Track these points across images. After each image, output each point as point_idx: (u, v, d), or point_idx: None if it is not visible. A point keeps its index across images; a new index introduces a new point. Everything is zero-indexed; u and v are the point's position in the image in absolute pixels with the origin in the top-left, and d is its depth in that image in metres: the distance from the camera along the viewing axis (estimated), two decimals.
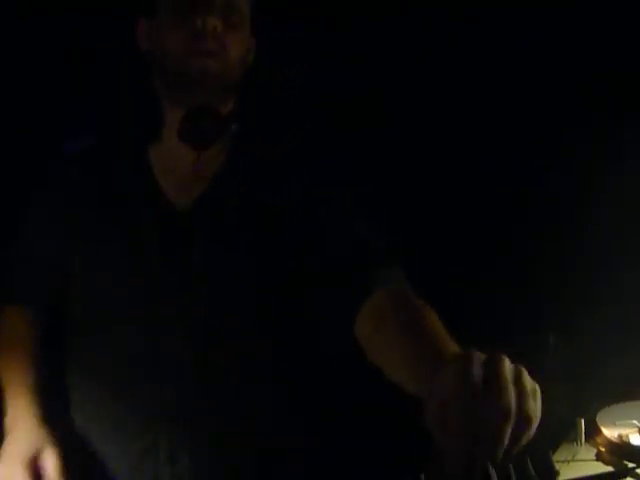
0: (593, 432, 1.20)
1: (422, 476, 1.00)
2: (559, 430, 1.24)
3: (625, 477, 1.06)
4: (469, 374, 0.72)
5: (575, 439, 1.20)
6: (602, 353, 1.66)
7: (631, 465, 1.09)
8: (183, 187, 1.28)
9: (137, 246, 1.25)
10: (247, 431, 1.26)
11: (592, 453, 1.17)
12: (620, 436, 1.16)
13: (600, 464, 1.14)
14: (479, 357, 0.75)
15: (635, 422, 1.18)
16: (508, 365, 0.75)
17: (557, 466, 1.03)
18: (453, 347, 0.91)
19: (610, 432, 1.17)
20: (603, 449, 1.16)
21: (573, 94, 1.85)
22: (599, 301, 1.73)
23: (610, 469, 1.11)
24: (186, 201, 1.27)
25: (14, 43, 1.75)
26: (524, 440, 0.74)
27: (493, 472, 0.99)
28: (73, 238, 1.30)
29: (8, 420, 1.25)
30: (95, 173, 1.31)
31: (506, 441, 0.71)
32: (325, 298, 1.19)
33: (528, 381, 0.76)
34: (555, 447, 1.18)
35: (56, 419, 1.28)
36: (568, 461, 1.13)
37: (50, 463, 1.20)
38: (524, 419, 0.73)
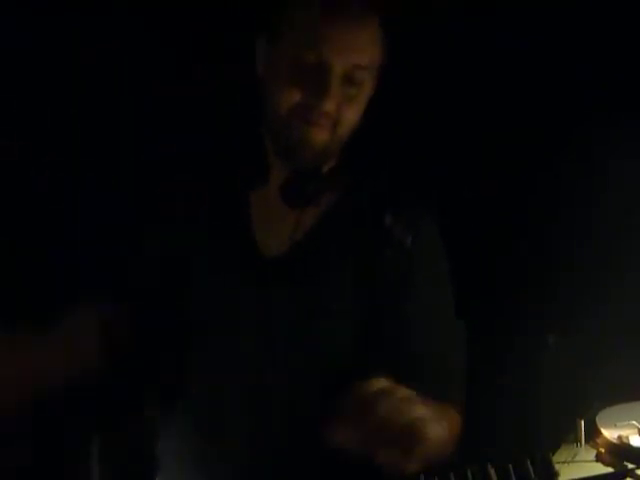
0: (593, 433, 1.19)
1: (422, 476, 1.00)
2: (559, 431, 1.24)
3: (625, 478, 1.06)
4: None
5: (575, 440, 1.19)
6: (602, 353, 1.66)
7: (631, 466, 1.08)
8: (277, 235, 1.24)
9: (220, 288, 1.23)
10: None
11: (592, 454, 1.17)
12: (620, 437, 1.15)
13: (600, 465, 1.14)
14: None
15: (635, 423, 1.18)
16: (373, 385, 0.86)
17: (557, 467, 1.03)
18: None
19: (610, 433, 1.17)
20: (603, 450, 1.16)
21: (572, 93, 1.85)
22: (599, 301, 1.73)
23: (610, 470, 1.11)
24: (277, 249, 1.23)
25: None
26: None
27: (493, 472, 0.99)
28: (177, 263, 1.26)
29: None
30: (200, 202, 1.27)
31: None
32: None
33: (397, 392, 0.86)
34: (555, 448, 1.18)
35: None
36: (568, 462, 1.13)
37: None
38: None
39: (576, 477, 1.04)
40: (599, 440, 1.18)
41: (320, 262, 1.22)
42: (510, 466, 0.99)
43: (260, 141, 1.23)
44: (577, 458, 1.15)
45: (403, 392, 0.87)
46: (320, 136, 1.14)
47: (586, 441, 1.19)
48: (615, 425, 1.19)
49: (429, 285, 1.25)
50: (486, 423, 1.82)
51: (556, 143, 1.91)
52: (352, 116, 1.16)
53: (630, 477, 1.06)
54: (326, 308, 1.21)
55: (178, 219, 1.27)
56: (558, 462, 1.11)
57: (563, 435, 1.21)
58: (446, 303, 1.28)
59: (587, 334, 1.71)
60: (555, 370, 1.68)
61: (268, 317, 1.21)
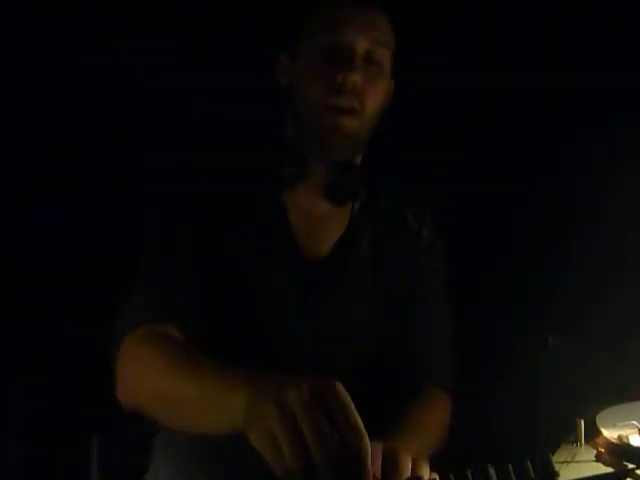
0: (593, 433, 1.19)
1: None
2: (559, 431, 1.23)
3: (625, 478, 1.06)
4: None
5: (575, 440, 1.19)
6: (602, 353, 1.66)
7: (631, 466, 1.08)
8: (314, 236, 1.28)
9: (266, 289, 1.24)
10: None
11: (592, 454, 1.17)
12: (620, 437, 1.15)
13: (600, 465, 1.14)
14: None
15: (635, 423, 1.17)
16: None
17: (557, 467, 1.02)
18: None
19: (610, 433, 1.17)
20: (603, 450, 1.16)
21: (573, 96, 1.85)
22: (599, 301, 1.73)
23: (610, 470, 1.11)
24: (315, 250, 1.27)
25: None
26: None
27: (492, 472, 0.99)
28: (212, 266, 1.24)
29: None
30: (235, 208, 1.27)
31: None
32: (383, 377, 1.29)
33: None
34: (555, 448, 1.18)
35: None
36: (568, 462, 1.13)
37: None
38: None
39: (576, 477, 1.04)
40: (599, 440, 1.18)
41: (357, 262, 1.28)
42: (510, 466, 0.99)
43: (293, 146, 1.27)
44: (577, 458, 1.15)
45: None
46: (350, 122, 1.19)
47: (586, 441, 1.19)
48: (615, 425, 1.19)
49: (438, 285, 1.37)
50: (486, 423, 1.82)
51: (557, 143, 1.91)
52: (375, 100, 1.22)
53: (630, 477, 1.06)
54: (363, 306, 1.28)
55: (218, 229, 1.26)
56: (558, 462, 1.11)
57: (563, 435, 1.21)
58: (446, 302, 1.39)
59: (587, 334, 1.71)
60: (555, 370, 1.68)
61: (314, 318, 1.24)
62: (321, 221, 1.28)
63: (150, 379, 1.06)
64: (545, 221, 1.93)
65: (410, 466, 0.92)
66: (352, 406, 0.79)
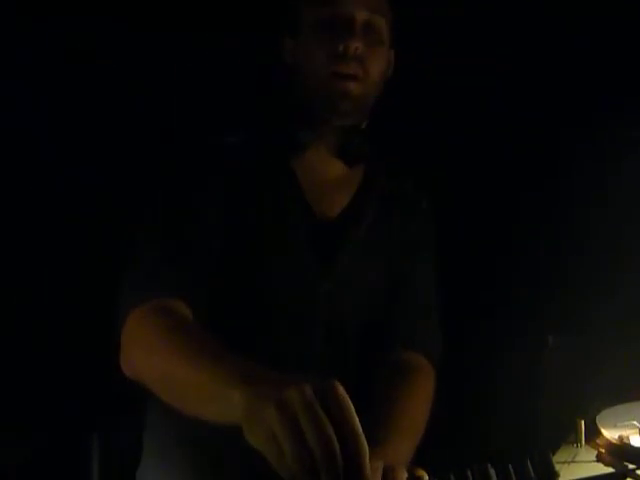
0: (593, 433, 1.19)
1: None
2: (559, 431, 1.24)
3: (625, 478, 1.06)
4: None
5: (575, 440, 1.19)
6: (602, 353, 1.66)
7: (631, 466, 1.08)
8: (323, 199, 1.33)
9: (283, 249, 1.28)
10: None
11: (592, 454, 1.17)
12: (620, 437, 1.15)
13: (600, 465, 1.14)
14: None
15: (635, 423, 1.18)
16: None
17: (557, 467, 1.02)
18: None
19: (610, 433, 1.17)
20: (603, 450, 1.16)
21: (572, 94, 1.85)
22: (599, 301, 1.73)
23: (610, 470, 1.11)
24: (327, 212, 1.33)
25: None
26: None
27: (493, 472, 0.99)
28: (229, 228, 1.26)
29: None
30: (248, 168, 1.31)
31: None
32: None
33: None
34: (555, 448, 1.18)
35: None
36: (568, 462, 1.13)
37: None
38: None
39: (576, 477, 1.04)
40: (599, 440, 1.18)
41: (367, 224, 1.34)
42: (510, 466, 0.99)
43: (302, 113, 1.33)
44: (577, 458, 1.15)
45: None
46: (355, 87, 1.26)
47: (586, 441, 1.19)
48: (615, 425, 1.19)
49: (431, 256, 1.43)
50: (486, 423, 1.82)
51: (556, 142, 1.91)
52: (376, 67, 1.29)
53: (630, 477, 1.06)
54: (371, 267, 1.34)
55: (234, 194, 1.29)
56: (558, 462, 1.11)
57: (563, 435, 1.21)
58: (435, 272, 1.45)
59: (587, 334, 1.71)
60: (555, 370, 1.68)
61: (326, 276, 1.29)
62: (331, 184, 1.34)
63: (152, 360, 1.05)
64: (545, 221, 1.93)
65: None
66: (351, 407, 0.78)
